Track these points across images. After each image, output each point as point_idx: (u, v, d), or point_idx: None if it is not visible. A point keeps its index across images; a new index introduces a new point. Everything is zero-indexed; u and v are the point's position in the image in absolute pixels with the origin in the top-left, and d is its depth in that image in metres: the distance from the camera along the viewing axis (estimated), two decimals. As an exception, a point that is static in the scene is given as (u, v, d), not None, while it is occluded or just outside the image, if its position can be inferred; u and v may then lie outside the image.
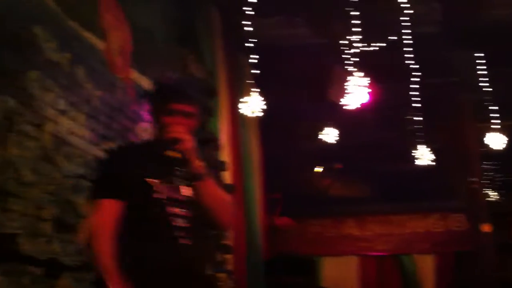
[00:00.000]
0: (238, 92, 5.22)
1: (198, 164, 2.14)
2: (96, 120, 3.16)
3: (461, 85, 6.89)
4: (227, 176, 4.59)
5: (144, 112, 3.74)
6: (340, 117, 5.94)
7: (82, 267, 2.89)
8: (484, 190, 7.00)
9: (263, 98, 4.69)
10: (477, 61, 6.26)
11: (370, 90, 4.68)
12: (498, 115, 6.27)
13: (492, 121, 6.26)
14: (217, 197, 2.22)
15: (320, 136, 6.56)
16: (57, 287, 2.72)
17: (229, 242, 4.72)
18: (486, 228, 6.59)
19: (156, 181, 2.13)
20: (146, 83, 3.82)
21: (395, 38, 5.53)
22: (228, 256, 4.72)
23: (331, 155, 7.42)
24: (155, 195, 2.12)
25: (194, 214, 2.16)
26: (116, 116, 3.38)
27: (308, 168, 7.60)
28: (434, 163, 6.23)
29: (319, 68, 5.91)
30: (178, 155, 2.12)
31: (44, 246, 2.67)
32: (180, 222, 2.12)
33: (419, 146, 6.23)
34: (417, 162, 6.26)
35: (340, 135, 6.61)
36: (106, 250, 2.05)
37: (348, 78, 4.75)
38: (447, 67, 6.64)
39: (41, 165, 2.71)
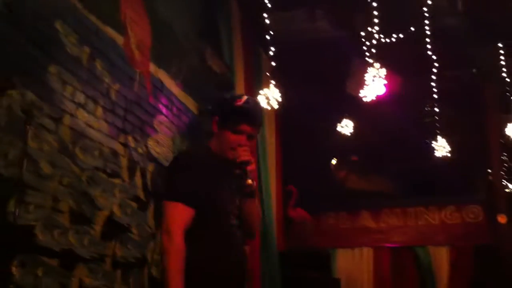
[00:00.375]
0: (255, 85, 5.22)
1: (254, 184, 2.35)
2: (113, 113, 3.20)
3: (482, 76, 6.81)
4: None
5: (162, 105, 3.78)
6: (358, 109, 5.92)
7: (98, 258, 2.94)
8: (502, 182, 6.93)
9: (280, 91, 4.68)
10: (499, 51, 6.17)
11: (386, 82, 4.65)
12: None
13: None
14: (257, 212, 2.47)
15: (337, 128, 6.54)
16: (72, 278, 2.78)
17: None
18: (502, 219, 6.54)
19: (224, 192, 2.30)
20: (164, 77, 3.85)
21: (415, 30, 5.47)
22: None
23: (348, 147, 7.39)
24: (222, 205, 2.29)
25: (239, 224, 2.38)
26: (133, 109, 3.41)
27: (325, 160, 7.58)
28: (452, 155, 6.18)
29: (338, 61, 5.88)
30: (243, 173, 2.31)
31: (60, 237, 2.72)
32: (236, 232, 2.34)
33: (438, 138, 6.19)
34: (436, 153, 6.21)
35: (358, 127, 6.58)
36: (176, 266, 2.14)
37: (366, 70, 4.72)
38: (469, 59, 6.56)
39: (58, 158, 2.75)
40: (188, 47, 4.17)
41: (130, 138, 3.32)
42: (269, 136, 5.87)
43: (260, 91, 4.72)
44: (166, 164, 3.55)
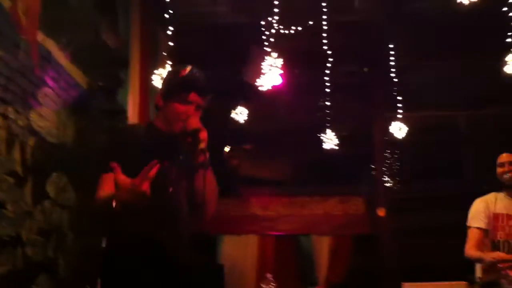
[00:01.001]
0: (152, 64, 5.08)
1: (206, 154, 2.24)
2: (-6, 82, 2.96)
3: (373, 74, 7.12)
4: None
5: (48, 77, 3.55)
6: (253, 97, 5.96)
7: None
8: (384, 177, 7.31)
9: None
10: (390, 52, 6.47)
11: (282, 72, 4.71)
12: (402, 105, 6.54)
13: (398, 111, 6.52)
14: (211, 187, 2.32)
15: (232, 115, 6.54)
16: None
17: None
18: (381, 212, 6.91)
19: (163, 163, 2.15)
20: (53, 47, 3.62)
21: (314, 23, 5.59)
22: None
23: (243, 135, 7.44)
24: (161, 178, 2.13)
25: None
26: (16, 79, 3.18)
27: (217, 147, 7.58)
28: (340, 148, 6.40)
29: (236, 47, 5.88)
30: (196, 141, 2.21)
31: None
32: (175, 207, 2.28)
33: (327, 131, 6.38)
34: (324, 146, 6.40)
35: (253, 115, 6.62)
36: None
37: (264, 58, 4.75)
38: (360, 56, 6.82)
39: None
40: (81, 18, 3.96)
41: (10, 109, 3.08)
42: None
43: (156, 71, 4.60)
44: (50, 139, 3.36)
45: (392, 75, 6.48)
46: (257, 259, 7.22)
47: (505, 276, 2.77)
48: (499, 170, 3.89)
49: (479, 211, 3.83)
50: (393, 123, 6.45)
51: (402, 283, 3.01)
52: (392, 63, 6.47)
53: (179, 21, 4.97)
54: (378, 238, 6.88)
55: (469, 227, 3.81)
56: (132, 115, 4.56)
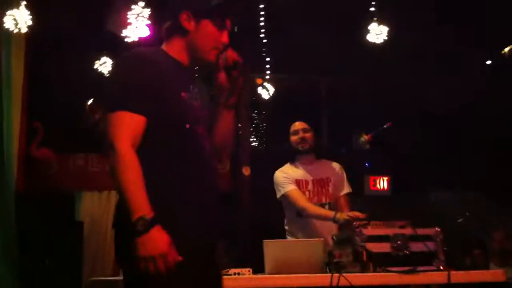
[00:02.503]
0: (3, 3, 4.59)
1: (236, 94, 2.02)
2: None
3: (240, 35, 7.07)
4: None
5: None
6: (119, 49, 5.66)
7: None
8: (250, 137, 7.41)
9: (31, 14, 4.18)
10: (260, 13, 6.46)
11: (149, 23, 4.51)
12: (269, 66, 6.62)
13: (267, 72, 6.59)
14: (232, 130, 2.12)
15: (95, 66, 6.17)
16: None
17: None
18: (246, 171, 7.02)
19: (185, 95, 1.90)
20: None
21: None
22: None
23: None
24: (184, 113, 1.88)
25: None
26: None
27: (79, 99, 7.16)
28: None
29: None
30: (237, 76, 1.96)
31: None
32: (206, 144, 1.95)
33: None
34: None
35: (118, 68, 6.30)
36: (130, 176, 1.73)
37: (130, 8, 4.51)
38: (233, 15, 6.74)
39: None
40: None
41: None
42: (16, 63, 5.26)
43: (8, 12, 4.17)
44: None
45: (262, 36, 6.51)
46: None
47: (358, 234, 2.90)
48: (292, 138, 3.97)
49: (283, 178, 3.93)
50: (259, 85, 6.51)
51: (263, 240, 3.05)
52: (262, 24, 6.49)
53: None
54: (240, 196, 7.00)
55: (285, 193, 3.87)
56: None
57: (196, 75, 2.06)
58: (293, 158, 4.04)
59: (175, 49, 2.00)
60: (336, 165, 4.08)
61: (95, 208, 6.88)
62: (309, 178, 3.94)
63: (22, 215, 5.17)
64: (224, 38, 1.99)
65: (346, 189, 4.02)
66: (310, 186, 3.91)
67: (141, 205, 1.71)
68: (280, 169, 4.04)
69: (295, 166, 4.03)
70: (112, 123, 1.80)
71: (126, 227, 1.72)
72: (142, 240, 1.68)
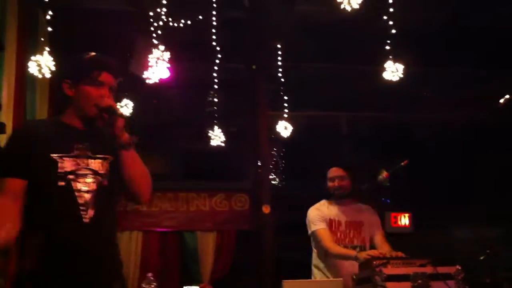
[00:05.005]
0: (30, 49, 4.73)
1: (125, 134, 2.12)
2: None
3: (259, 72, 7.19)
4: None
5: None
6: (140, 90, 5.79)
7: None
8: (270, 175, 7.42)
9: (55, 59, 4.31)
10: (278, 52, 6.56)
11: (169, 66, 4.61)
12: (288, 105, 6.68)
13: (285, 110, 6.65)
14: (139, 168, 2.21)
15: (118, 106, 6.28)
16: None
17: None
18: (266, 209, 7.00)
19: (60, 156, 2.05)
20: None
21: (203, 18, 5.53)
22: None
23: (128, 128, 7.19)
24: (59, 170, 2.04)
25: (103, 188, 2.10)
26: None
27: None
28: (227, 145, 6.41)
29: (122, 37, 5.66)
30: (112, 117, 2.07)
31: None
32: (85, 198, 2.06)
33: (215, 127, 6.35)
34: (211, 142, 6.37)
35: (139, 108, 6.44)
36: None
37: (151, 51, 4.62)
38: (249, 54, 6.87)
39: None
40: None
41: None
42: (40, 107, 5.39)
43: (32, 57, 4.30)
44: None
45: (279, 74, 6.59)
46: (140, 256, 7.04)
47: (378, 273, 2.88)
48: (329, 184, 3.98)
49: (316, 216, 3.93)
50: (279, 122, 6.55)
51: (282, 281, 3.03)
52: (279, 63, 6.58)
53: (61, 5, 4.68)
54: (261, 235, 6.97)
55: (315, 231, 3.87)
56: (7, 104, 4.22)
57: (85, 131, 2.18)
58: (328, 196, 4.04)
59: (68, 115, 2.20)
60: (369, 209, 4.08)
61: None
62: (342, 218, 3.94)
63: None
64: (103, 93, 2.13)
65: (381, 230, 4.02)
66: (342, 227, 3.90)
67: None
68: (315, 206, 4.04)
69: (330, 204, 4.02)
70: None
71: None
72: None
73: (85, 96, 2.12)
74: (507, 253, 5.58)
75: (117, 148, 2.13)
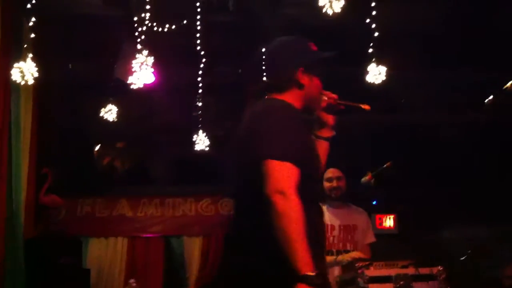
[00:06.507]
0: (13, 56, 4.71)
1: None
2: None
3: (247, 75, 7.18)
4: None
5: None
6: (124, 95, 5.77)
7: None
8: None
9: (39, 65, 4.29)
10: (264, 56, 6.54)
11: (153, 70, 4.60)
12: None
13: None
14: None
15: (102, 114, 6.27)
16: None
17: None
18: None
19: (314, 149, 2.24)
20: None
21: (188, 23, 5.53)
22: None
23: (114, 133, 7.18)
24: (318, 166, 2.21)
25: None
26: None
27: (86, 144, 7.25)
28: (212, 149, 6.40)
29: (106, 42, 5.65)
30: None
31: None
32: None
33: (200, 132, 6.35)
34: (196, 147, 6.37)
35: (123, 113, 6.42)
36: (301, 231, 1.86)
37: (135, 56, 4.62)
38: (237, 57, 6.86)
39: None
40: None
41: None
42: (24, 113, 5.37)
43: (15, 64, 4.28)
44: None
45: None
46: (126, 262, 7.01)
47: (361, 275, 2.90)
48: (327, 184, 4.00)
49: None
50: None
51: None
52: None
53: (44, 11, 4.65)
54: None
55: None
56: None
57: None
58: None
59: (293, 98, 2.23)
60: (363, 212, 4.09)
61: (102, 254, 6.88)
62: (336, 223, 3.95)
63: (30, 262, 5.20)
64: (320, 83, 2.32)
65: (371, 238, 4.03)
66: (336, 232, 3.92)
67: (309, 263, 1.85)
68: None
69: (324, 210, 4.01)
70: (279, 171, 1.94)
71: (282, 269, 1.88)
72: None
73: (316, 86, 2.27)
74: (498, 253, 5.64)
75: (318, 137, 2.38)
